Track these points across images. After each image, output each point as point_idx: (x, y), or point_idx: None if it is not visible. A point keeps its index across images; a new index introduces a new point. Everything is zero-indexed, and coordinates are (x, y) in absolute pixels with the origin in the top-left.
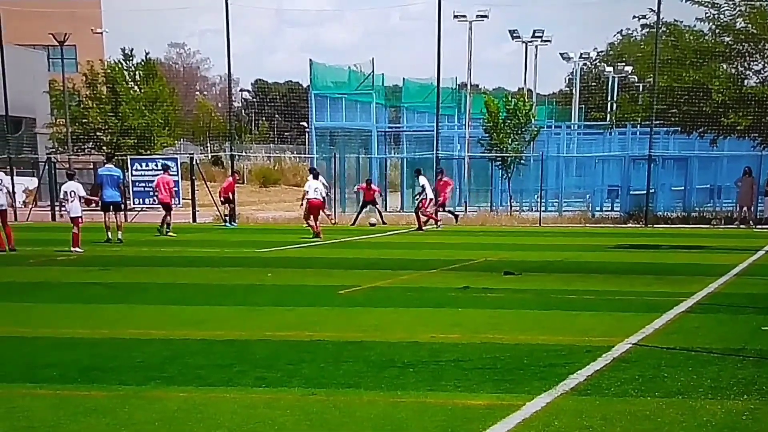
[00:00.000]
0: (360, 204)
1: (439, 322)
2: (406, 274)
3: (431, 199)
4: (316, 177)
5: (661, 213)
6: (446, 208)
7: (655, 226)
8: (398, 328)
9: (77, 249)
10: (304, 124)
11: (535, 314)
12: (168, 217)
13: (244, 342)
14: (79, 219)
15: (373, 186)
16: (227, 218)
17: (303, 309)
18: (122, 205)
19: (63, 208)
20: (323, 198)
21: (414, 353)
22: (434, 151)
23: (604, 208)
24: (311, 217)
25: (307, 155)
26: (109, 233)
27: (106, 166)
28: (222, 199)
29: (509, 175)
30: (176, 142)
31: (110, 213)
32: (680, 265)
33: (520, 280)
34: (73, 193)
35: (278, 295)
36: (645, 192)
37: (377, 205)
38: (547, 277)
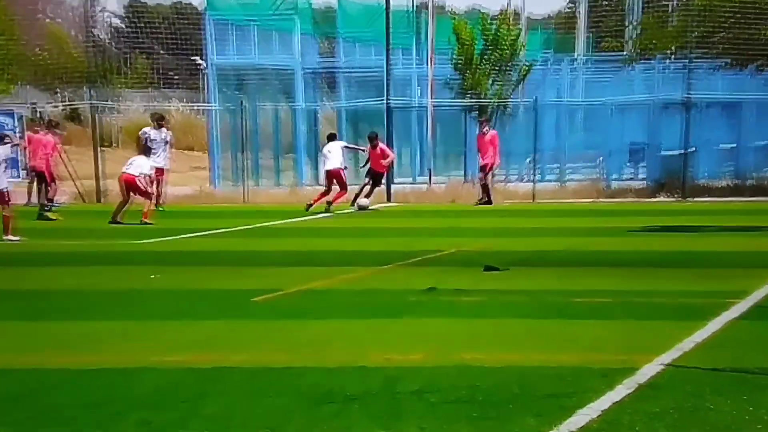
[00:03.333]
0: (368, 176)
1: (396, 338)
2: (349, 271)
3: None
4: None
5: (703, 181)
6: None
7: (695, 199)
8: (339, 347)
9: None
10: (199, 60)
11: (528, 325)
12: (50, 191)
13: (123, 371)
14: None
15: (383, 147)
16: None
17: (206, 323)
18: None
19: None
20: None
21: (361, 382)
22: (385, 99)
23: (624, 176)
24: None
25: (203, 105)
26: None
27: None
28: (34, 172)
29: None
30: (13, 87)
31: None
32: (730, 254)
33: (506, 278)
34: None
35: (171, 304)
36: (681, 152)
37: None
38: (543, 273)
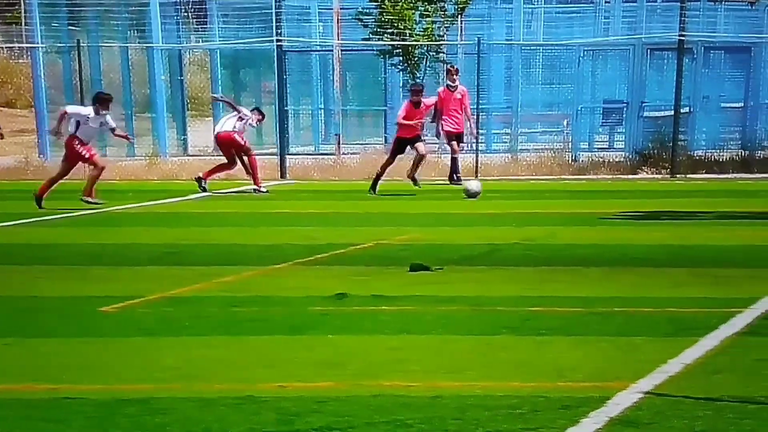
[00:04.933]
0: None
1: (294, 361)
2: (230, 272)
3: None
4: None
5: (700, 153)
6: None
7: (688, 176)
8: (218, 372)
9: None
10: None
11: (470, 343)
12: None
13: None
14: None
15: (428, 104)
16: None
17: (36, 341)
18: None
19: None
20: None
21: (248, 418)
22: (274, 37)
23: (596, 145)
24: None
25: (23, 44)
26: None
27: None
28: None
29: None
30: None
31: None
32: (733, 249)
33: (441, 281)
34: None
35: None
36: (671, 113)
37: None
38: (491, 274)
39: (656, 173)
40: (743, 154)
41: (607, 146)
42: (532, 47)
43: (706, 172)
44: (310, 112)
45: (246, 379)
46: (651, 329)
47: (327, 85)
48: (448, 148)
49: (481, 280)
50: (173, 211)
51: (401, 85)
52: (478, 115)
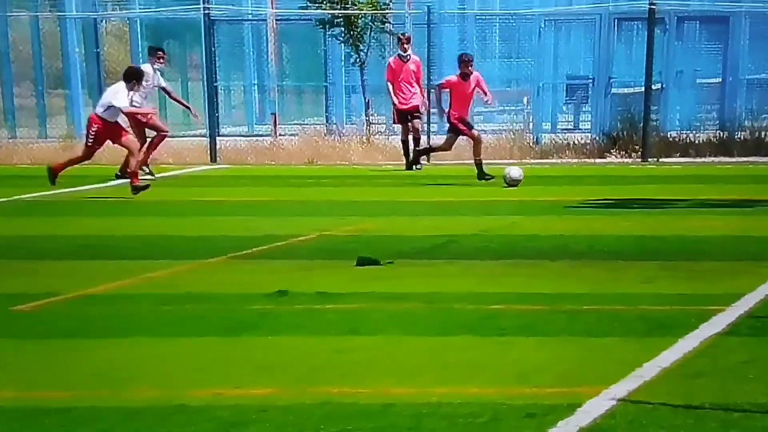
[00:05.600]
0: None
1: (230, 365)
2: (157, 267)
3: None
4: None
5: (674, 134)
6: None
7: (662, 160)
8: (145, 378)
9: None
10: None
11: (425, 345)
12: None
13: None
14: None
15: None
16: None
17: None
18: None
19: None
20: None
21: (180, 429)
22: (201, 5)
23: (560, 126)
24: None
25: None
26: None
27: None
28: None
29: (361, 59)
30: None
31: None
32: (712, 240)
33: (392, 277)
34: None
35: None
36: (642, 90)
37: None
38: (447, 268)
39: (626, 157)
40: (721, 135)
41: (571, 127)
42: (487, 17)
43: (680, 156)
44: (243, 88)
45: (177, 385)
46: (623, 329)
47: (261, 59)
48: (397, 128)
49: (436, 274)
50: (93, 198)
51: (343, 58)
52: (427, 92)
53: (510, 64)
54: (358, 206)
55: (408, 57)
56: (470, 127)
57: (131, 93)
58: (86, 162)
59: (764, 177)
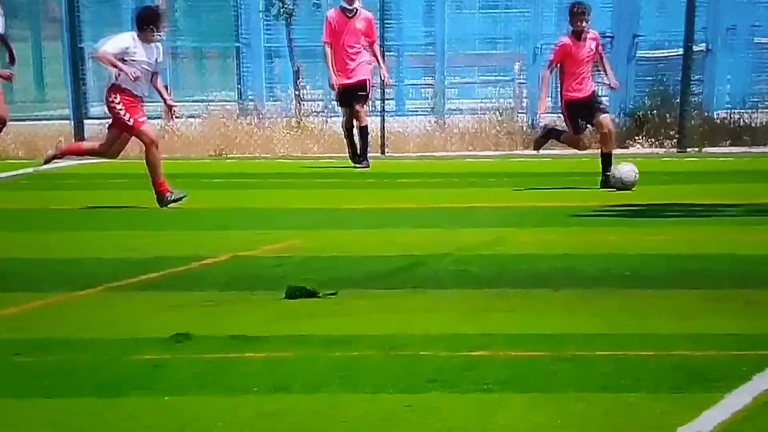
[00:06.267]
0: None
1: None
2: (9, 302)
3: None
4: None
5: (722, 113)
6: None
7: (705, 150)
8: None
9: None
10: None
11: (382, 404)
12: None
13: None
14: None
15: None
16: None
17: None
18: None
19: None
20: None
21: None
22: None
23: None
24: None
25: None
26: None
27: None
28: None
29: (287, 10)
30: None
31: None
32: None
33: (335, 312)
34: None
35: None
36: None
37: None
38: (410, 300)
39: (657, 145)
40: None
41: None
42: None
43: (731, 144)
44: None
45: None
46: (651, 382)
47: None
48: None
49: (396, 309)
50: None
51: (261, 9)
52: (381, 60)
53: (495, 18)
54: (287, 216)
55: (355, 11)
56: (599, 110)
57: None
58: None
59: None
